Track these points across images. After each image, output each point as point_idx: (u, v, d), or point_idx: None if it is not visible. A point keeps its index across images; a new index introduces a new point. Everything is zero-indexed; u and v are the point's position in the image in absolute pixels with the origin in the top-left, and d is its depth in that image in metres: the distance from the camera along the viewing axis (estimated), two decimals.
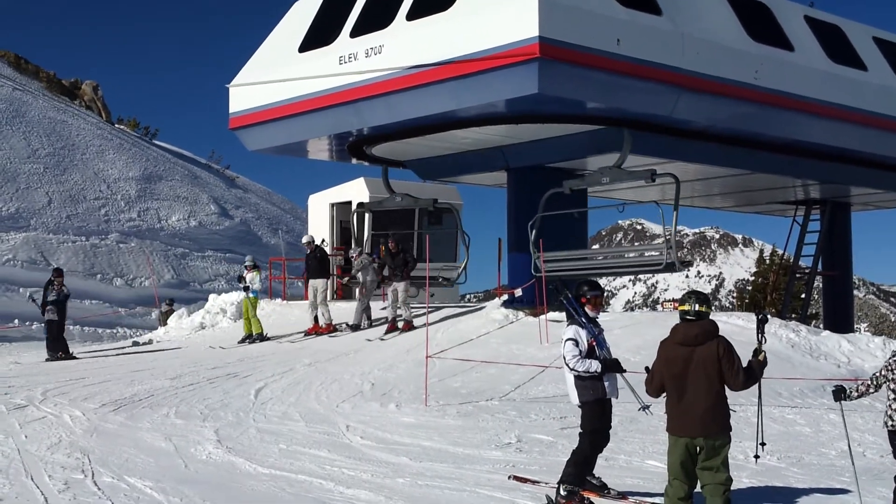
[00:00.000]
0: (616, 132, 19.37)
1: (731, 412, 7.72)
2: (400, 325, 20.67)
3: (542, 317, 18.58)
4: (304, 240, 22.80)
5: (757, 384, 7.89)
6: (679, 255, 20.05)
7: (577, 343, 8.74)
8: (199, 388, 15.82)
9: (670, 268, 19.65)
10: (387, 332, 20.59)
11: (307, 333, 21.78)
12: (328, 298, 22.94)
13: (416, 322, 20.70)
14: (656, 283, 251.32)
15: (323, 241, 25.13)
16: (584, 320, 8.85)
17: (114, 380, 17.03)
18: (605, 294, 9.86)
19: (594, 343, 8.79)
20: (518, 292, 21.40)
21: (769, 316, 20.13)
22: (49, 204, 34.85)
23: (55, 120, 40.67)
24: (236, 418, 13.28)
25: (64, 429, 12.44)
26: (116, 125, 48.18)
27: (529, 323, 19.48)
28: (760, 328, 7.93)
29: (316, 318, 21.88)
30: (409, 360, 17.49)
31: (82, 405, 14.13)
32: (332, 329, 21.71)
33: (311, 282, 22.03)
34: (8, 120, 38.02)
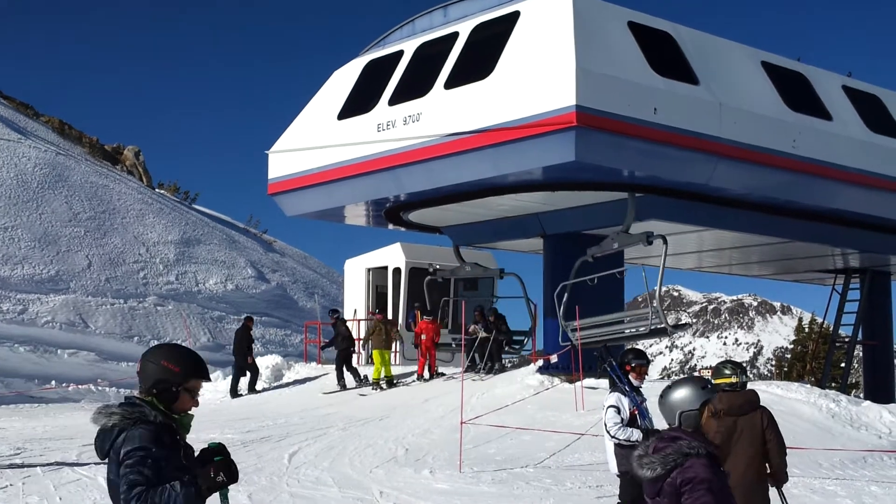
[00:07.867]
0: (644, 200, 19.40)
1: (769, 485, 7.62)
2: None
3: (578, 383, 18.48)
4: None
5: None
6: (669, 319, 19.61)
7: (619, 410, 8.67)
8: (232, 452, 15.77)
9: (657, 333, 19.40)
10: None
11: None
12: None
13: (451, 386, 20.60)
14: (693, 350, 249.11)
15: None
16: (627, 388, 8.78)
17: None
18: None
19: (636, 412, 8.71)
20: (553, 358, 21.31)
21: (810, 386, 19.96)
22: (89, 267, 35.22)
23: (97, 184, 41.26)
24: (270, 483, 13.24)
25: (99, 491, 12.44)
26: (157, 189, 48.80)
27: (565, 389, 19.36)
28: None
29: None
30: (444, 426, 17.40)
31: None
32: None
33: None
34: (51, 184, 38.62)
